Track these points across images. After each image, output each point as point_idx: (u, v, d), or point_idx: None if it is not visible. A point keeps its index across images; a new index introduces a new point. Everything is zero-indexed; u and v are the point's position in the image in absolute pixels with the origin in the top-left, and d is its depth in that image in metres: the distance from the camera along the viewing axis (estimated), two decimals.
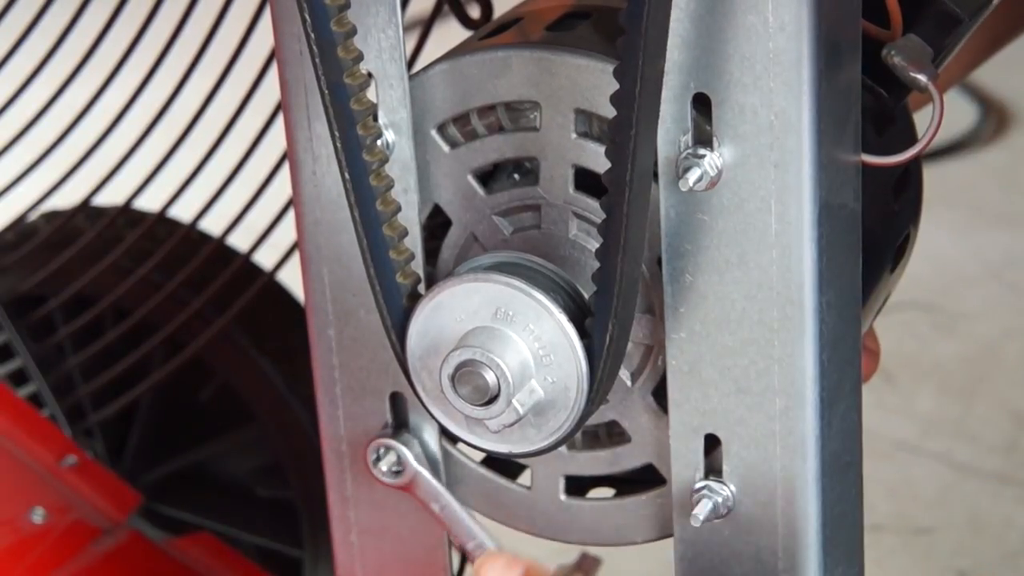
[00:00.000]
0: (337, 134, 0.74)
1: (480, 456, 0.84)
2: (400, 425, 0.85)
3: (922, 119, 0.84)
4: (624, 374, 0.79)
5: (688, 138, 0.72)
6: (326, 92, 0.73)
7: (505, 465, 0.86)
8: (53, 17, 1.38)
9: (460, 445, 0.83)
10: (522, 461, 0.85)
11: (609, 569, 1.28)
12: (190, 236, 1.37)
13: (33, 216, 1.46)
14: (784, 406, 0.74)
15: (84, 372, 1.41)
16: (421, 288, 0.78)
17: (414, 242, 0.80)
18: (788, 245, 0.72)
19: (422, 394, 0.78)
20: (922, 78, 0.78)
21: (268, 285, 1.35)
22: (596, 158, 0.76)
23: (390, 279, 0.76)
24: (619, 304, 0.72)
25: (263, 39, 1.02)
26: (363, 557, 0.89)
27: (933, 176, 1.23)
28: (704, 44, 0.71)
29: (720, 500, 0.77)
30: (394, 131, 0.79)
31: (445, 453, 0.85)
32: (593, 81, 0.75)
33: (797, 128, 0.70)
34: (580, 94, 0.75)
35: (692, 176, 0.72)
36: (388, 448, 0.84)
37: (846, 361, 0.76)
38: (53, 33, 1.39)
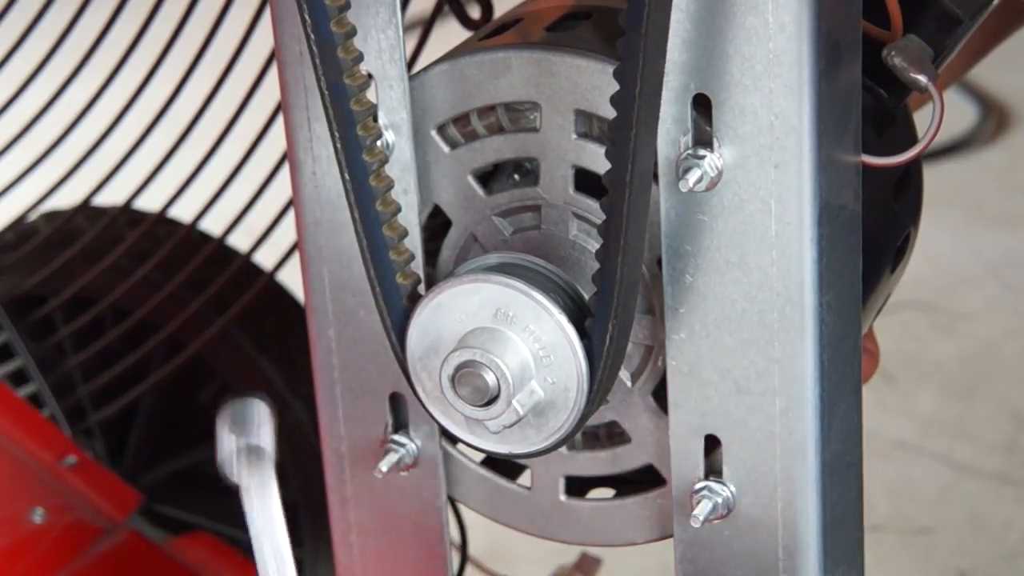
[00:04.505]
0: (337, 135, 0.74)
1: (480, 456, 0.84)
2: (400, 426, 0.85)
3: (922, 119, 0.84)
4: (624, 375, 0.79)
5: (688, 139, 0.72)
6: (326, 93, 0.73)
7: (505, 465, 0.86)
8: (53, 17, 1.38)
9: (460, 446, 0.82)
10: (522, 462, 0.85)
11: (609, 569, 1.29)
12: (190, 236, 1.37)
13: (33, 216, 1.46)
14: (784, 407, 0.74)
15: (84, 372, 1.41)
16: (421, 289, 0.78)
17: (414, 243, 0.80)
18: (788, 246, 0.72)
19: (422, 395, 0.78)
20: (922, 79, 0.77)
21: (268, 285, 1.35)
22: (596, 159, 0.76)
23: (390, 280, 0.76)
24: (619, 305, 0.72)
25: (263, 39, 1.02)
26: (363, 557, 0.89)
27: (933, 176, 1.23)
28: (704, 45, 0.71)
29: (720, 501, 0.77)
30: (394, 132, 0.79)
31: (445, 454, 0.85)
32: (593, 82, 0.75)
33: (797, 129, 0.70)
34: (580, 95, 0.75)
35: (692, 177, 0.72)
36: (388, 448, 0.84)
37: (846, 362, 0.76)
38: (53, 33, 1.39)
